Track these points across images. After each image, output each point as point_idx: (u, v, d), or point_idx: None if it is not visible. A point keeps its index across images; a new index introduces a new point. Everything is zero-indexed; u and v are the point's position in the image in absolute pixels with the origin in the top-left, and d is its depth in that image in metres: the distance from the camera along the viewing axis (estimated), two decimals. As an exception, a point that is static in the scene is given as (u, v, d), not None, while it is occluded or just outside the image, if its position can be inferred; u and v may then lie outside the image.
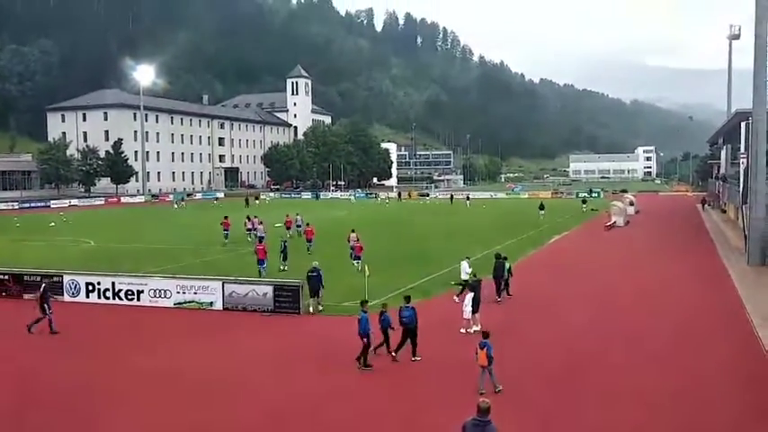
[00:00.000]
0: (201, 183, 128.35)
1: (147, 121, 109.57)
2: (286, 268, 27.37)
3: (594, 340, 17.31)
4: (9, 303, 22.10)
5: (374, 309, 15.84)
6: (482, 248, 32.51)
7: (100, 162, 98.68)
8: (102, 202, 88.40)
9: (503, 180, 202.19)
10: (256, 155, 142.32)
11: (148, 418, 12.32)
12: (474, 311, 17.75)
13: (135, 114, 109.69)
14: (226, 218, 40.36)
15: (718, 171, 65.69)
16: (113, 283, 21.88)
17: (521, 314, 20.08)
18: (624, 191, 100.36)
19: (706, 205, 66.22)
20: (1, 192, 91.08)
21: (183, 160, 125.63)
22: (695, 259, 31.78)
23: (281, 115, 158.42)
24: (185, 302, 20.97)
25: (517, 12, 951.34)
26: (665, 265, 30.01)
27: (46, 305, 18.16)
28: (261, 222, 38.32)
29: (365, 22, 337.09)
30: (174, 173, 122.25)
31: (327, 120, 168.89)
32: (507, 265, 22.17)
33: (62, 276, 22.52)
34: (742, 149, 34.36)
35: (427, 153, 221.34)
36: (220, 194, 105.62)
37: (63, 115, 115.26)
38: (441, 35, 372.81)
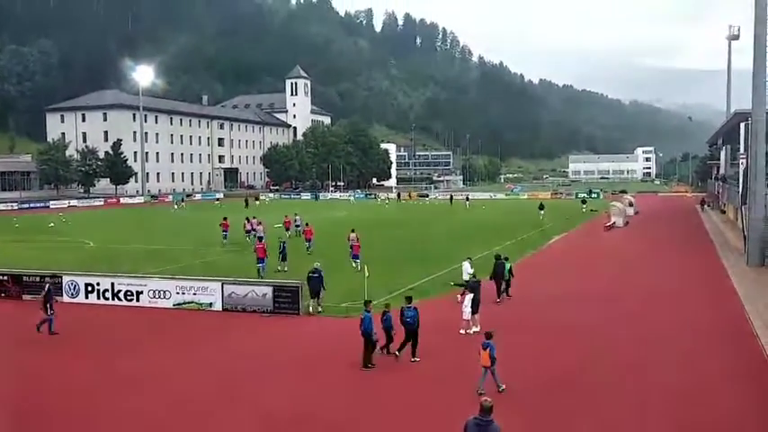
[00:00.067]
0: (201, 183, 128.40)
1: (146, 121, 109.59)
2: (285, 269, 27.37)
3: (594, 341, 17.30)
4: (8, 304, 22.10)
5: (377, 309, 15.84)
6: (482, 249, 32.53)
7: (99, 163, 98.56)
8: (102, 203, 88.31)
9: (502, 180, 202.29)
10: (256, 155, 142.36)
11: (148, 418, 12.30)
12: (473, 312, 17.76)
13: (134, 115, 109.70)
14: (225, 219, 40.38)
15: (718, 172, 65.72)
16: (113, 284, 21.87)
17: (520, 314, 20.07)
18: (623, 191, 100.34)
19: (705, 206, 66.17)
20: (0, 192, 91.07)
21: (182, 161, 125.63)
22: (695, 260, 31.80)
23: (281, 116, 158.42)
24: (185, 303, 20.96)
25: (517, 12, 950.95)
26: (665, 266, 30.04)
27: (49, 306, 18.16)
28: (260, 223, 38.42)
29: (364, 22, 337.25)
30: (173, 173, 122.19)
31: (327, 120, 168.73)
32: (508, 266, 22.14)
33: (61, 277, 22.49)
34: (741, 150, 34.40)
35: (427, 153, 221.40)
36: (220, 195, 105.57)
37: (62, 116, 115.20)
38: (440, 35, 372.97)
